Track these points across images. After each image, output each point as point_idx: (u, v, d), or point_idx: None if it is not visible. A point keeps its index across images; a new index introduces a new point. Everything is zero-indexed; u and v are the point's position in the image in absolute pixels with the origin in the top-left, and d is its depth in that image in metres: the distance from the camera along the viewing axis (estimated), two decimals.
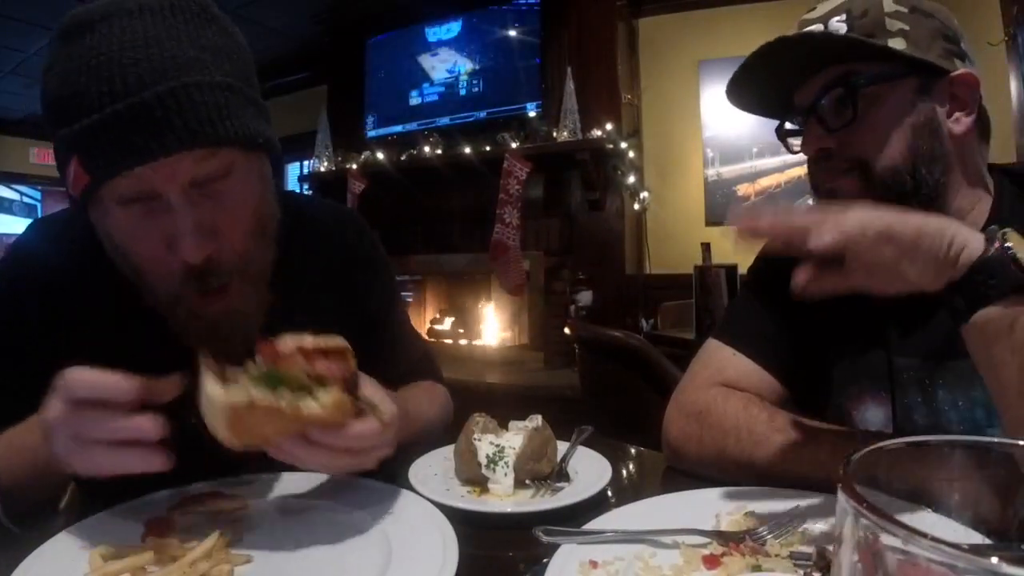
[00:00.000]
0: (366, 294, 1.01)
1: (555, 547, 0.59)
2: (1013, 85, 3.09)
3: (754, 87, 0.87)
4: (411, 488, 0.74)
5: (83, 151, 0.65)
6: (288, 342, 0.61)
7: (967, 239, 0.60)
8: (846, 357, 0.87)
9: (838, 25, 0.79)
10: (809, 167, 0.87)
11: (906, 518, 0.30)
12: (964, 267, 0.60)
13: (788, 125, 0.91)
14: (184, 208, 0.68)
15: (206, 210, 0.70)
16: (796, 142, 0.88)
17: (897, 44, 0.77)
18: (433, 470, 0.83)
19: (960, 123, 0.79)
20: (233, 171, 0.72)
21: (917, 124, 0.78)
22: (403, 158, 4.34)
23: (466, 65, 4.32)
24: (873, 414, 0.84)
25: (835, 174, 0.82)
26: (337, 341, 0.62)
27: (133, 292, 0.76)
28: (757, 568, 0.56)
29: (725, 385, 0.88)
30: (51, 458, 0.61)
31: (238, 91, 0.70)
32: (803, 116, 0.85)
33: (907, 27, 0.77)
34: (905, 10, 0.78)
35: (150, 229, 0.69)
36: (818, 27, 0.81)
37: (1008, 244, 0.59)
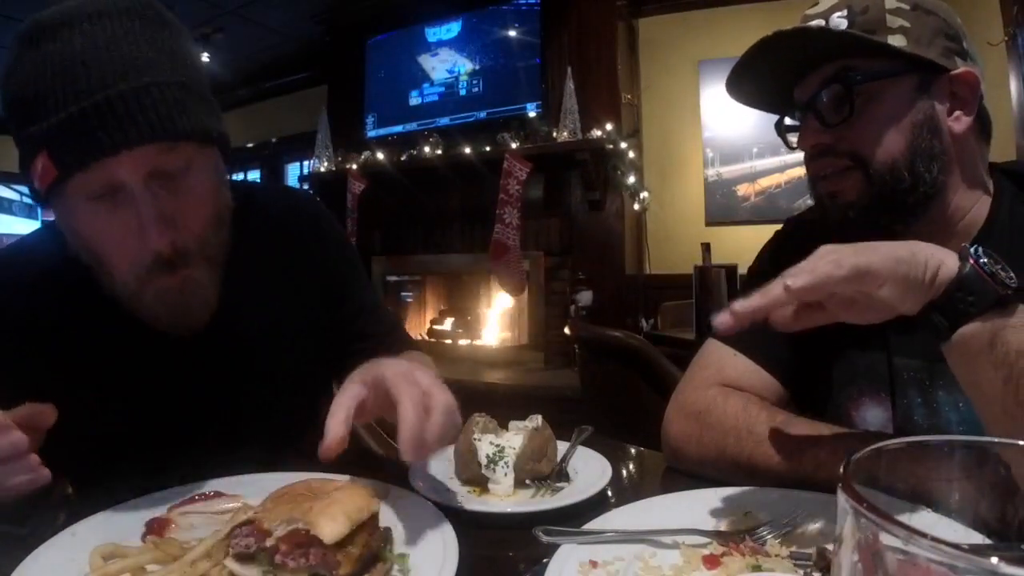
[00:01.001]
0: (324, 273, 1.03)
1: (555, 547, 0.59)
2: (1013, 85, 3.09)
3: (754, 81, 0.87)
4: (411, 488, 0.74)
5: (52, 146, 0.69)
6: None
7: (942, 259, 0.61)
8: (846, 358, 0.87)
9: (839, 20, 0.78)
10: (806, 163, 0.87)
11: (906, 518, 0.31)
12: (941, 286, 0.60)
13: (788, 121, 0.90)
14: (147, 199, 0.73)
15: (168, 201, 0.75)
16: (795, 138, 0.88)
17: (897, 41, 0.76)
18: (433, 470, 0.83)
19: (960, 122, 0.78)
20: (192, 165, 0.77)
21: (916, 121, 0.77)
22: (403, 158, 4.35)
23: (466, 65, 4.32)
24: (873, 414, 0.84)
25: (832, 170, 0.82)
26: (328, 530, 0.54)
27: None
28: (757, 568, 0.56)
29: (725, 385, 0.88)
30: None
31: (193, 90, 0.75)
32: (802, 111, 0.85)
33: (908, 24, 0.77)
34: (907, 7, 0.78)
35: (117, 221, 0.74)
36: (819, 22, 0.80)
37: (983, 260, 0.59)
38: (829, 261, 0.59)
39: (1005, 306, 0.59)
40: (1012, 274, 0.60)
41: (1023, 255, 0.77)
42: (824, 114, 0.80)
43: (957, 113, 0.79)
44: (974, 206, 0.82)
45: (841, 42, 0.79)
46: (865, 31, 0.77)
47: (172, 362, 0.86)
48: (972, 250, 0.60)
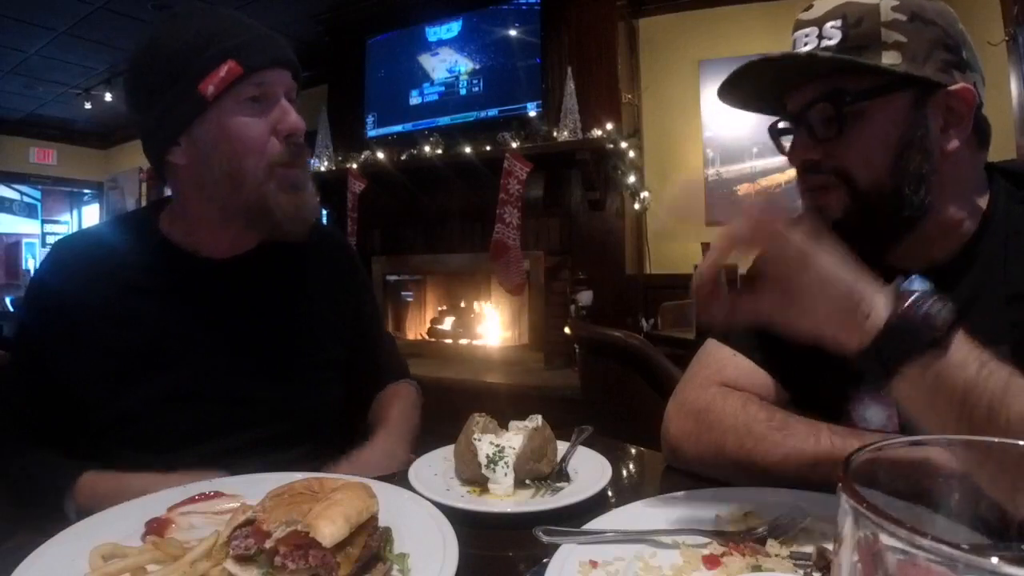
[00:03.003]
0: (345, 288, 1.18)
1: (555, 547, 0.59)
2: (1013, 85, 3.09)
3: (748, 86, 0.86)
4: (411, 488, 0.74)
5: (241, 54, 0.91)
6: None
7: (875, 304, 0.59)
8: (847, 356, 0.87)
9: (833, 31, 0.77)
10: (797, 175, 0.87)
11: (906, 518, 0.31)
12: (871, 334, 0.59)
13: (782, 124, 0.90)
14: (289, 104, 0.97)
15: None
16: (787, 143, 0.88)
17: (892, 58, 0.74)
18: (433, 470, 0.83)
19: (952, 140, 0.76)
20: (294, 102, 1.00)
21: (905, 142, 0.76)
22: (403, 158, 4.34)
23: (466, 65, 4.31)
24: (874, 413, 0.84)
25: (820, 185, 0.81)
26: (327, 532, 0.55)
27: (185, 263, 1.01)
28: (757, 568, 0.56)
29: (724, 384, 0.88)
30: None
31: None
32: (793, 122, 0.85)
33: (904, 38, 0.74)
34: (904, 18, 0.75)
35: (263, 119, 0.94)
36: (812, 30, 0.79)
37: (917, 300, 0.58)
38: (792, 235, 0.62)
39: (941, 346, 0.57)
40: (950, 306, 0.58)
41: (1018, 255, 0.77)
42: (814, 129, 0.80)
43: (951, 131, 0.77)
44: (966, 217, 0.81)
45: (830, 65, 0.77)
46: (859, 46, 0.75)
47: (220, 292, 1.03)
48: (907, 288, 0.59)
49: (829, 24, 0.77)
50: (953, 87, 0.75)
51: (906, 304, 0.58)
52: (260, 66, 0.93)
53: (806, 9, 0.82)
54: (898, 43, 0.74)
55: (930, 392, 0.58)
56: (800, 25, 0.81)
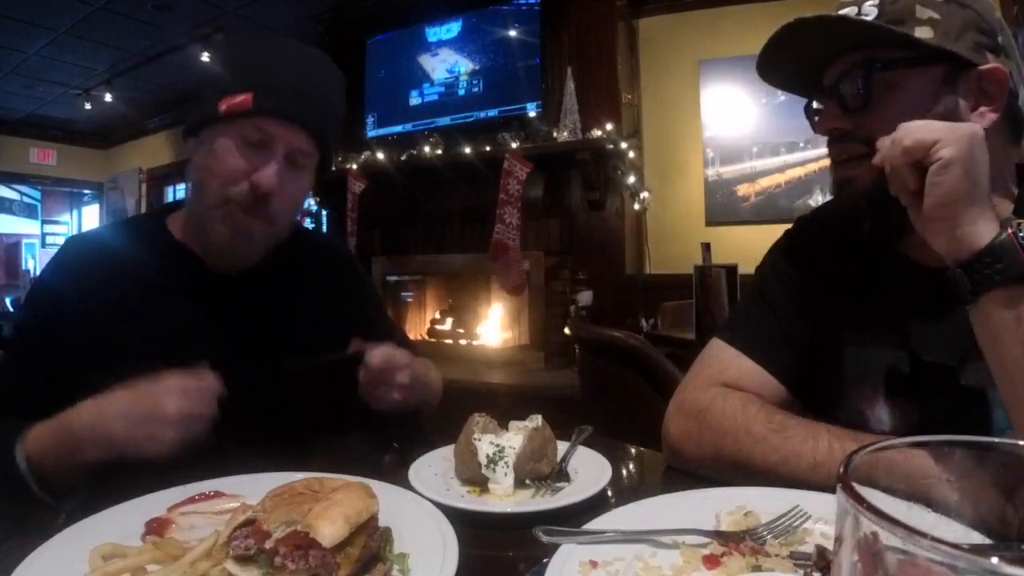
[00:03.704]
0: (350, 299, 1.20)
1: (555, 547, 0.59)
2: None
3: (785, 66, 0.86)
4: (411, 488, 0.74)
5: (261, 91, 0.94)
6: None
7: (978, 221, 0.61)
8: (860, 356, 0.86)
9: (870, 8, 0.77)
10: (828, 147, 0.86)
11: (906, 518, 0.30)
12: (970, 249, 0.61)
13: (816, 104, 0.89)
14: (277, 159, 0.96)
15: (284, 169, 0.97)
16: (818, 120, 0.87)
17: (924, 32, 0.75)
18: (433, 470, 0.83)
19: (984, 118, 0.76)
20: (306, 169, 1.02)
21: (935, 114, 0.75)
22: (403, 158, 4.34)
23: (466, 65, 4.32)
24: (889, 413, 0.83)
25: (848, 155, 0.81)
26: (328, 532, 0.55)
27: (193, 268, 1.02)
28: (757, 568, 0.56)
29: (726, 385, 0.88)
30: (100, 428, 0.79)
31: (337, 129, 1.09)
32: (826, 95, 0.84)
33: (937, 16, 0.75)
34: None
35: (245, 159, 0.95)
36: (851, 9, 0.79)
37: (1021, 233, 0.59)
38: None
39: None
40: None
41: None
42: (845, 99, 0.80)
43: (982, 109, 0.76)
44: (995, 207, 0.79)
45: (863, 31, 0.77)
46: (893, 21, 0.75)
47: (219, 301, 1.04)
48: (1016, 223, 0.60)
49: (867, 3, 0.78)
50: (985, 67, 0.75)
51: (1010, 231, 0.60)
52: (268, 112, 0.94)
53: None
54: (932, 19, 0.75)
55: (1011, 326, 0.59)
56: (841, 6, 0.81)
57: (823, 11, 0.81)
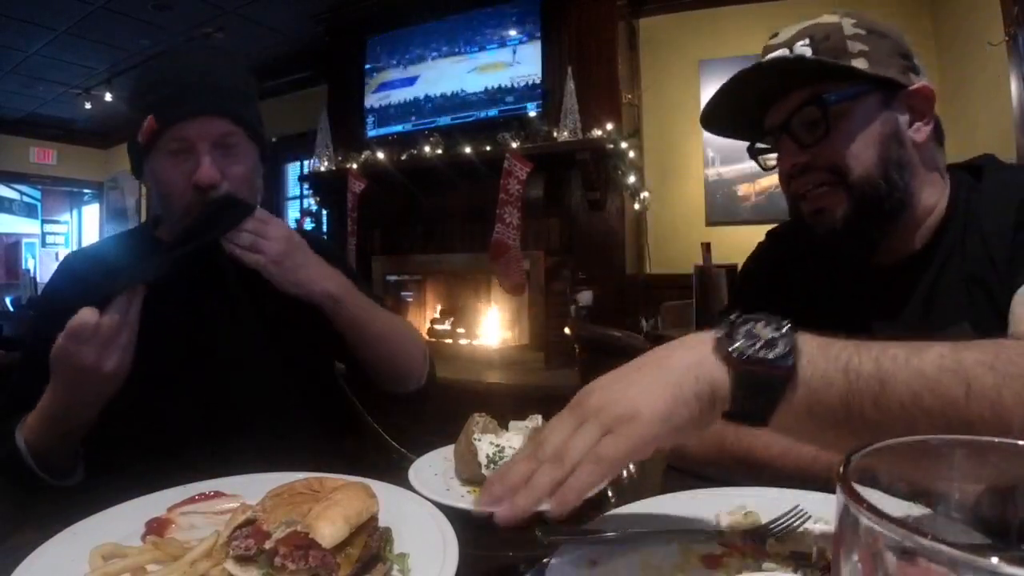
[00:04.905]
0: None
1: (555, 547, 0.59)
2: (1013, 85, 3.09)
3: (724, 113, 0.93)
4: (411, 488, 0.74)
5: (156, 110, 0.98)
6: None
7: (709, 375, 0.54)
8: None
9: (803, 50, 0.85)
10: (784, 181, 0.92)
11: (906, 518, 0.31)
12: (726, 400, 0.54)
13: (759, 145, 0.96)
14: (205, 154, 0.99)
15: (219, 160, 1.00)
16: (768, 160, 0.96)
17: (860, 64, 0.83)
18: (433, 470, 0.83)
19: (920, 132, 0.86)
20: (240, 147, 1.04)
21: (884, 134, 0.84)
22: (403, 158, 4.34)
23: (466, 65, 4.31)
24: None
25: (814, 186, 0.87)
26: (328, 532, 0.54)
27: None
28: (757, 568, 0.56)
29: None
30: (59, 399, 0.86)
31: (251, 104, 1.08)
32: (775, 135, 0.91)
33: (867, 48, 0.84)
34: (863, 32, 0.84)
35: (179, 169, 1.00)
36: (783, 52, 0.86)
37: (743, 347, 0.53)
38: (590, 462, 0.53)
39: (792, 378, 0.53)
40: (777, 330, 0.53)
41: (975, 239, 0.84)
42: (800, 135, 0.86)
43: (917, 124, 0.86)
44: (937, 204, 0.88)
45: (813, 69, 0.84)
46: (830, 57, 0.83)
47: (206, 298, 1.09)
48: (728, 341, 0.54)
49: (799, 44, 0.85)
50: (914, 86, 0.85)
51: (739, 363, 0.53)
52: (172, 121, 0.98)
53: (772, 37, 0.90)
54: (863, 51, 0.84)
55: (810, 419, 0.53)
56: (769, 50, 0.89)
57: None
